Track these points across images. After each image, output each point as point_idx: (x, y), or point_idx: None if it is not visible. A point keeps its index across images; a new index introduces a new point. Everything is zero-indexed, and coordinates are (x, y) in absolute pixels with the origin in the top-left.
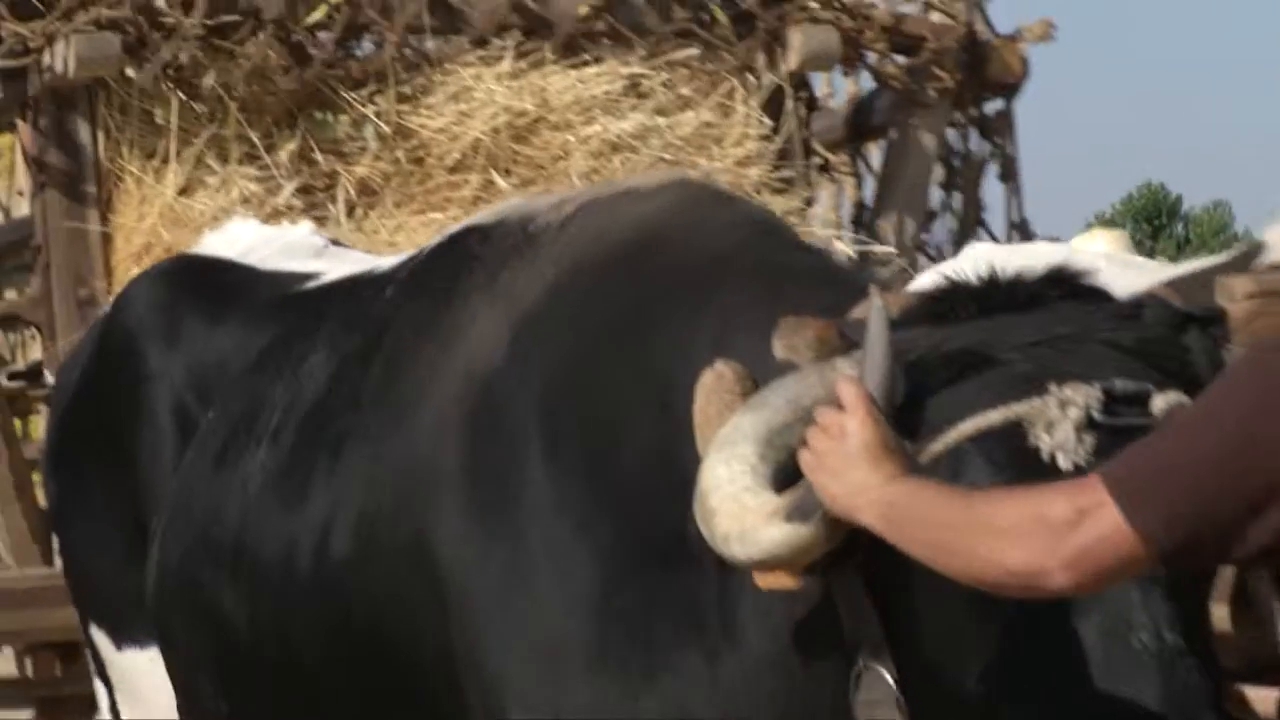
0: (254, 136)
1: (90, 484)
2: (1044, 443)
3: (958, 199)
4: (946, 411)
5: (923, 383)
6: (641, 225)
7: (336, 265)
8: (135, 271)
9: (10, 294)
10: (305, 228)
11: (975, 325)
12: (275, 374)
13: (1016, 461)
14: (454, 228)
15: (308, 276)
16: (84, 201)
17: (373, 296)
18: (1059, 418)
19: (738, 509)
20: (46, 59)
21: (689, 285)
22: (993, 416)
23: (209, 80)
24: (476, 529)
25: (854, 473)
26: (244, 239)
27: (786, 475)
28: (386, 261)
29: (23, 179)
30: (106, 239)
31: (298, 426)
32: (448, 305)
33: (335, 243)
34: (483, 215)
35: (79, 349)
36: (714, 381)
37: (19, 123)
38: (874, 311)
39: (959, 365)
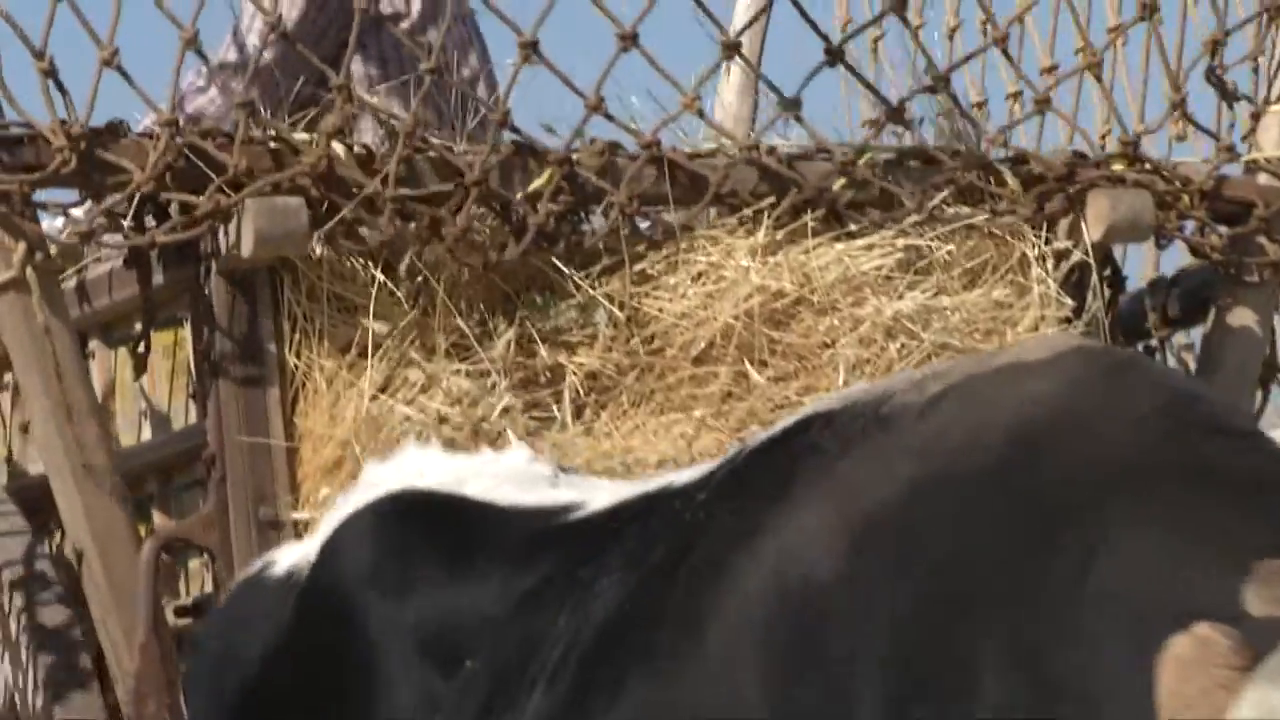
0: (465, 325)
1: None
2: None
3: None
4: None
5: None
6: (1025, 419)
7: (593, 493)
8: (326, 490)
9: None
10: (521, 454)
11: None
12: (554, 609)
13: None
14: (790, 418)
15: (568, 508)
16: (265, 406)
17: (682, 508)
18: None
19: None
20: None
21: (1083, 508)
22: None
23: (409, 258)
24: None
25: None
26: (446, 468)
27: None
28: (686, 473)
29: (192, 381)
30: (291, 450)
31: (581, 658)
32: (769, 505)
33: (564, 469)
34: (826, 400)
35: (246, 608)
36: (1196, 651)
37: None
38: None
39: None
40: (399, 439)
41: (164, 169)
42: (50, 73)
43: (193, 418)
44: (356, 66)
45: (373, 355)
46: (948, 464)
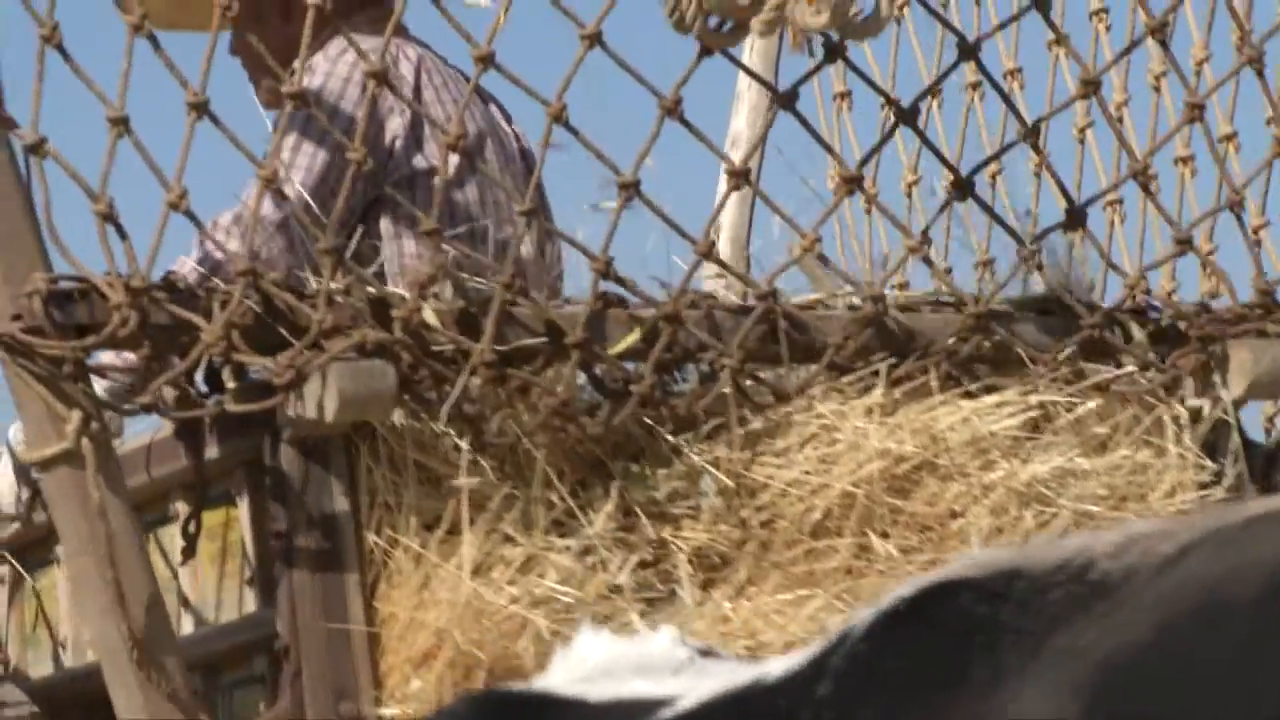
0: (568, 499)
1: None
2: None
3: None
4: None
5: None
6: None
7: (701, 681)
8: (418, 683)
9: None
10: (667, 636)
11: None
12: None
13: None
14: (903, 593)
15: (659, 703)
16: (343, 590)
17: (794, 707)
18: None
19: None
20: (292, 403)
21: None
22: None
23: (497, 423)
24: None
25: None
26: (594, 657)
27: None
28: (776, 664)
29: (249, 565)
30: (375, 639)
31: None
32: (944, 695)
33: (707, 652)
34: (952, 570)
35: None
36: None
37: (244, 490)
38: None
39: None
40: (500, 624)
41: (235, 327)
42: (109, 216)
43: (235, 608)
44: (385, 224)
45: (467, 530)
46: (1202, 600)
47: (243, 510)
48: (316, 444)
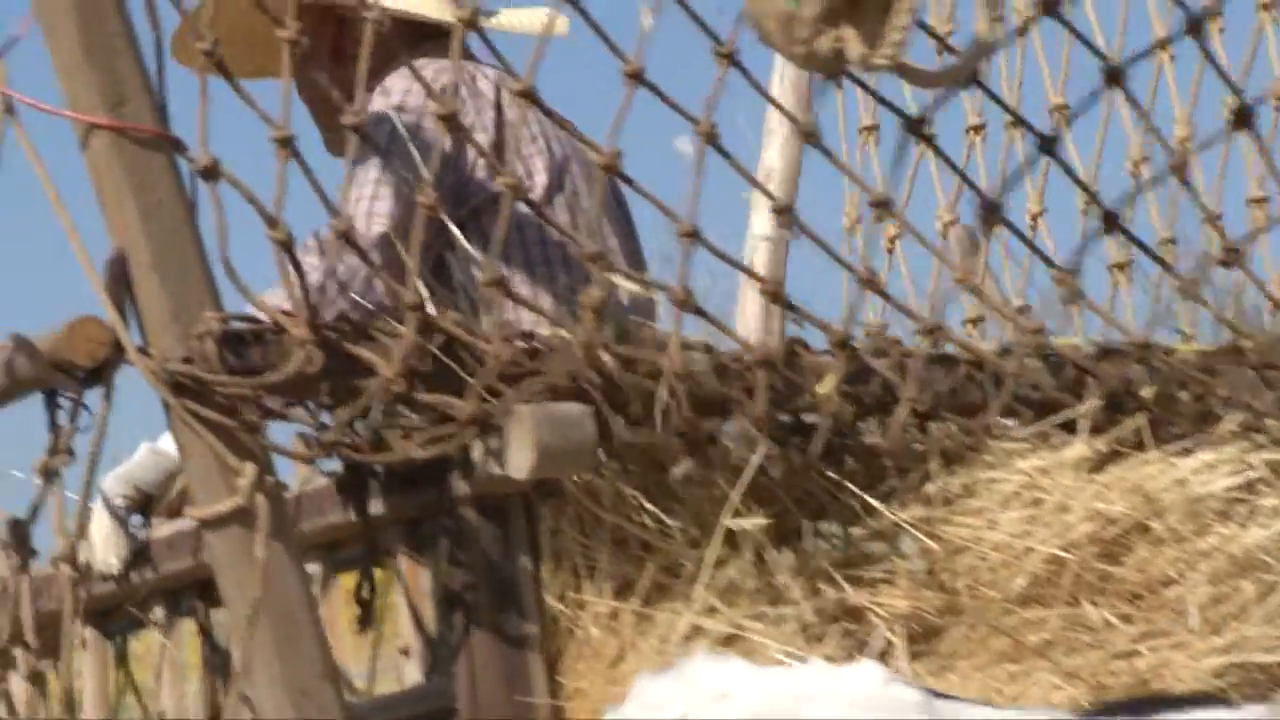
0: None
1: None
2: None
3: None
4: None
5: None
6: None
7: None
8: None
9: None
10: (874, 670)
11: None
12: None
13: None
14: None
15: None
16: (525, 661)
17: None
18: None
19: None
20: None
21: None
22: None
23: (683, 469)
24: None
25: None
26: (769, 687)
27: None
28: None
29: (409, 633)
30: (558, 711)
31: None
32: None
33: (938, 694)
34: None
35: None
36: None
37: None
38: None
39: None
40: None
41: (410, 367)
42: (288, 244)
43: (393, 679)
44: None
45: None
46: None
47: (401, 572)
48: (495, 500)
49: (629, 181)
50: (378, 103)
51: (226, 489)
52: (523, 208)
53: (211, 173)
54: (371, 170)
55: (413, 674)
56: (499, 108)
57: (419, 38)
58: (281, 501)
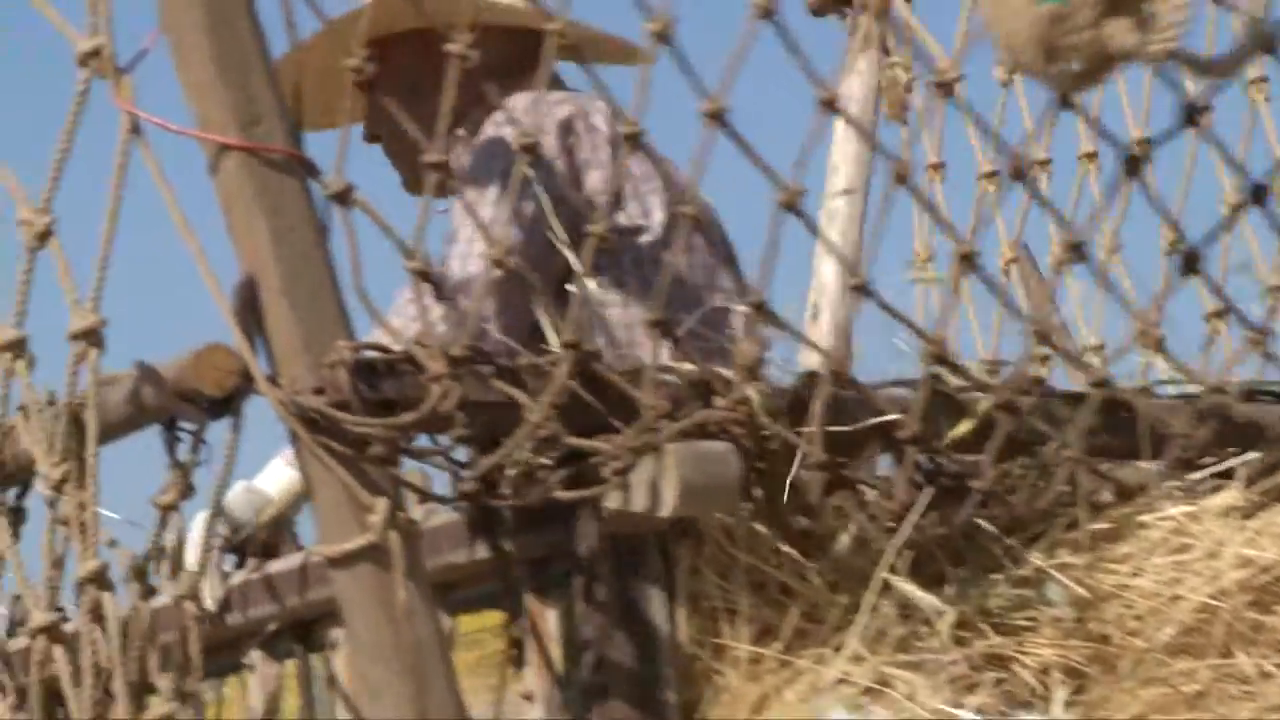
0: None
1: None
2: None
3: None
4: None
5: None
6: None
7: None
8: None
9: None
10: None
11: None
12: None
13: None
14: None
15: None
16: (659, 707)
17: None
18: None
19: None
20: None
21: None
22: None
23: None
24: None
25: None
26: None
27: None
28: None
29: (533, 677)
30: None
31: None
32: None
33: None
34: None
35: None
36: None
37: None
38: None
39: None
40: None
41: (556, 407)
42: (426, 274)
43: None
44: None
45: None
46: None
47: (527, 614)
48: (629, 539)
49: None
50: (499, 129)
51: (358, 525)
52: (641, 243)
53: (345, 198)
54: (487, 200)
55: None
56: (614, 142)
57: (514, 69)
58: (416, 539)
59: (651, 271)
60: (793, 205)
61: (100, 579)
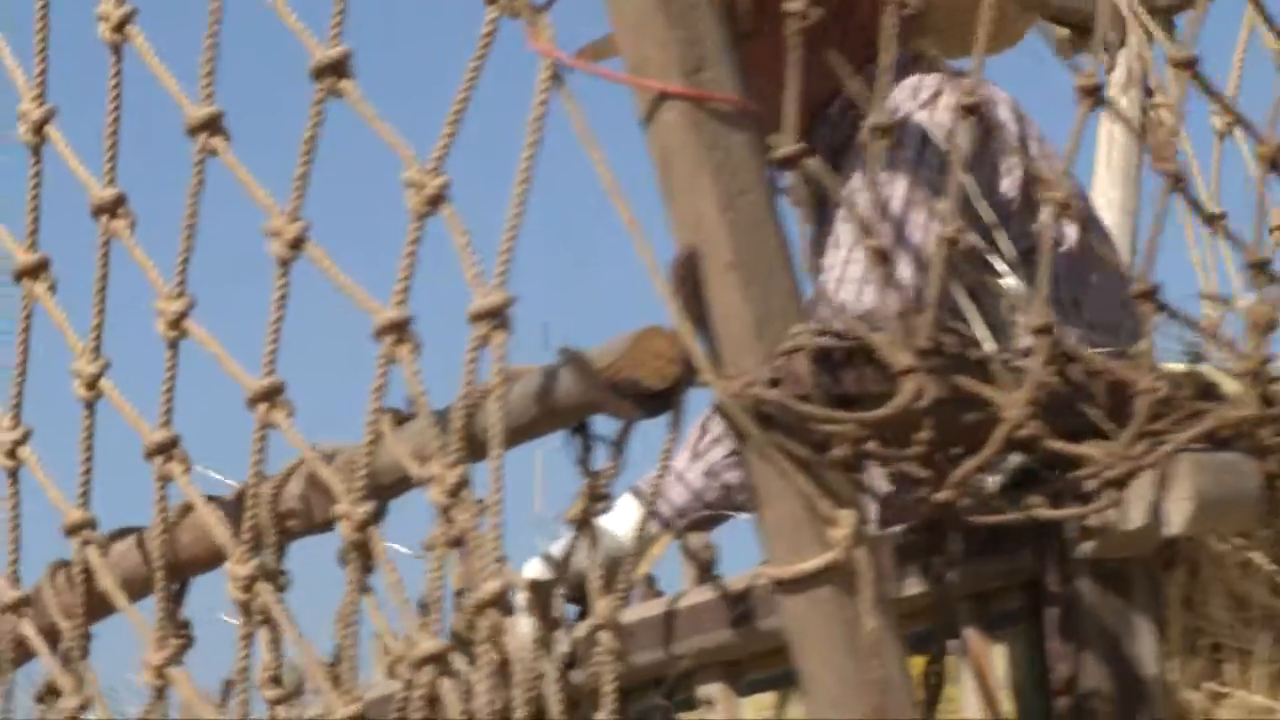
0: None
1: None
2: None
3: None
4: None
5: None
6: None
7: None
8: None
9: None
10: None
11: None
12: None
13: None
14: None
15: None
16: None
17: None
18: None
19: None
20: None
21: None
22: None
23: None
24: None
25: None
26: None
27: None
28: None
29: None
30: None
31: None
32: None
33: None
34: None
35: None
36: None
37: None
38: None
39: None
40: None
41: (1037, 406)
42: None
43: None
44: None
45: None
46: None
47: (978, 653)
48: (1110, 565)
49: None
50: (907, 105)
51: (818, 541)
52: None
53: (792, 161)
54: (900, 182)
55: None
56: (1023, 141)
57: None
58: (885, 559)
59: (1066, 286)
60: None
61: (501, 602)
